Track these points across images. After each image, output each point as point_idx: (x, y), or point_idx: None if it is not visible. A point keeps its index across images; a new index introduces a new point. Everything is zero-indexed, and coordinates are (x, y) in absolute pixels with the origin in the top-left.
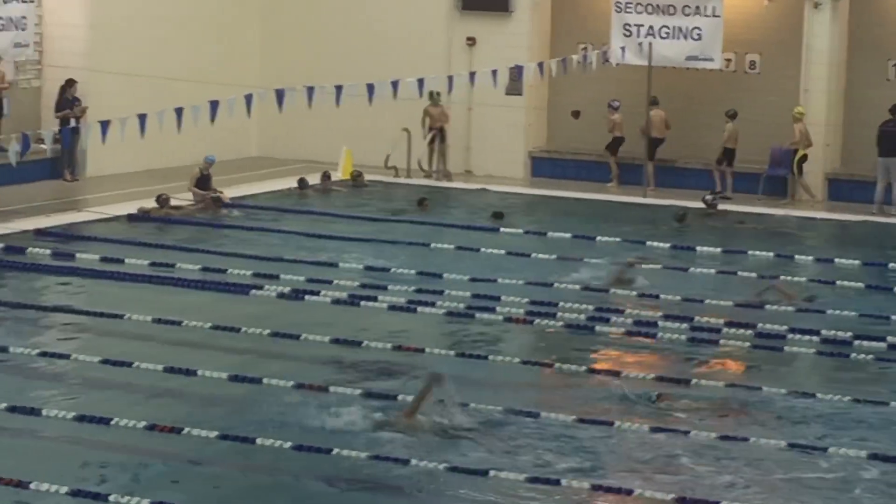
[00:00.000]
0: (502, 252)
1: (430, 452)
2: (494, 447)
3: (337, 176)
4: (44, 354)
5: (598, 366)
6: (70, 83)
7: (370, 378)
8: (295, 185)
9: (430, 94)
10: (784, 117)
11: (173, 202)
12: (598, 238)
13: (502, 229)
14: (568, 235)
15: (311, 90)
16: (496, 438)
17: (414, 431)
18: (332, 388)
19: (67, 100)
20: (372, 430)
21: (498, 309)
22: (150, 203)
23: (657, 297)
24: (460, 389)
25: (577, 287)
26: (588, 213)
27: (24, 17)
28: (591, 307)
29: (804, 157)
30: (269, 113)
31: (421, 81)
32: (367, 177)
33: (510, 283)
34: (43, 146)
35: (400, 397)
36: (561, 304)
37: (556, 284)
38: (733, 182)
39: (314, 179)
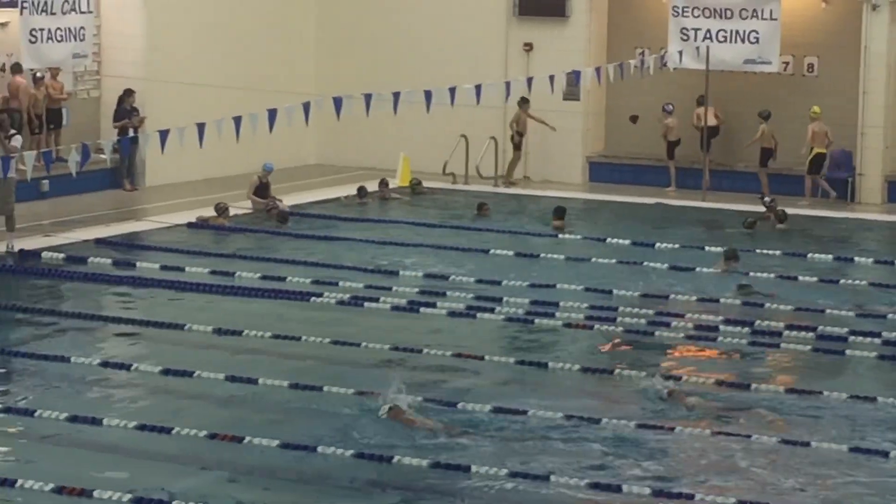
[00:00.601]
0: (562, 257)
1: (491, 459)
2: (555, 453)
3: (395, 183)
4: (105, 364)
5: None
6: (128, 93)
7: (430, 385)
8: (353, 192)
9: (522, 99)
10: (843, 120)
11: (232, 211)
12: (657, 245)
13: (560, 235)
14: (627, 242)
15: (368, 97)
16: (556, 444)
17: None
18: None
19: (126, 110)
20: (432, 438)
21: (557, 314)
22: (209, 212)
23: (717, 301)
24: (519, 395)
25: (636, 294)
26: (650, 218)
27: (82, 28)
28: (651, 312)
29: (818, 157)
30: (327, 121)
31: (478, 88)
32: (426, 183)
33: (570, 288)
34: (102, 156)
35: (460, 405)
36: (621, 308)
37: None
38: (768, 182)
39: (372, 187)
